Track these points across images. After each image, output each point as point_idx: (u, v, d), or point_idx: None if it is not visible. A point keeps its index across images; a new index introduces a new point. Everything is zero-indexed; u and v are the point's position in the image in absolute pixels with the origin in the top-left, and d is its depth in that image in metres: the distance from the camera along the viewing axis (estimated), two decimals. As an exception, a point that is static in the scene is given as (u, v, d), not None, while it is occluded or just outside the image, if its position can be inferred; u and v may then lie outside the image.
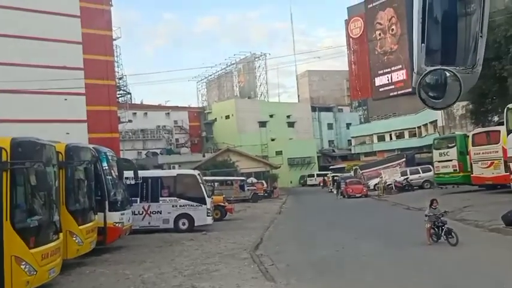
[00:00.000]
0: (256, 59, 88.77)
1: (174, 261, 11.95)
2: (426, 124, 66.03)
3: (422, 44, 2.76)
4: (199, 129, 78.65)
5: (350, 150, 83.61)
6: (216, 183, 33.74)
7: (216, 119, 77.39)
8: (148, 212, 18.75)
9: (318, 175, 69.67)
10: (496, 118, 36.89)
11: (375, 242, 12.97)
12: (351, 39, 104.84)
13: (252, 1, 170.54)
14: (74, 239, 10.98)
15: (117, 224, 13.83)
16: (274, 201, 39.98)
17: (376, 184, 39.91)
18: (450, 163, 26.59)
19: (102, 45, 42.94)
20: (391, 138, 76.34)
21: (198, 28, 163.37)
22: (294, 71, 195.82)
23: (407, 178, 35.17)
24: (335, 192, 41.40)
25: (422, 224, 16.21)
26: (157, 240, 16.26)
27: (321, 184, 52.38)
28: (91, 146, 14.25)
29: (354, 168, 53.69)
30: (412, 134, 72.14)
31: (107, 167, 14.07)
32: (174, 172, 19.94)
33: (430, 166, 37.86)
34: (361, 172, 45.71)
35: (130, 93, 75.16)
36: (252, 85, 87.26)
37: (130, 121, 54.08)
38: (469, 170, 25.54)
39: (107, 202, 13.63)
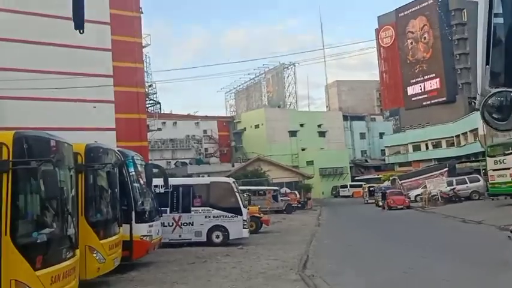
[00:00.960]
0: (285, 69, 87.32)
1: (210, 283, 10.20)
2: (465, 133, 63.02)
3: (487, 66, 2.73)
4: (228, 138, 77.23)
5: (384, 160, 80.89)
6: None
7: (245, 128, 75.86)
8: (179, 224, 17.09)
9: (351, 186, 67.34)
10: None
11: (449, 261, 10.85)
12: (381, 48, 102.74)
13: (278, 14, 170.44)
14: (95, 255, 9.31)
15: (144, 238, 12.17)
16: (308, 212, 38.00)
17: (418, 195, 37.56)
18: (508, 172, 24.21)
19: (131, 52, 41.85)
20: (427, 148, 73.36)
21: (225, 40, 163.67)
22: (321, 83, 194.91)
23: (454, 189, 32.73)
24: (378, 203, 39.25)
25: (493, 240, 14.14)
26: (189, 255, 14.55)
27: (364, 196, 49.82)
28: (116, 148, 12.66)
29: (391, 178, 51.24)
30: (450, 144, 69.09)
31: (133, 173, 12.47)
32: (207, 180, 18.26)
33: (478, 176, 35.47)
34: (400, 182, 43.30)
35: (159, 103, 74.88)
36: (281, 95, 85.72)
37: (159, 129, 52.91)
38: (529, 179, 23.21)
39: (133, 212, 11.99)
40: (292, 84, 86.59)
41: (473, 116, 60.48)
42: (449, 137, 69.07)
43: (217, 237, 17.06)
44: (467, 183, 34.03)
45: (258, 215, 21.77)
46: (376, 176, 68.95)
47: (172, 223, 17.02)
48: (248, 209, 18.35)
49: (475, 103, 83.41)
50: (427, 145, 73.56)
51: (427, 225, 20.97)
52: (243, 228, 16.98)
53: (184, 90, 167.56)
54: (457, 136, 66.58)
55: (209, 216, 17.05)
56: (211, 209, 17.10)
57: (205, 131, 73.88)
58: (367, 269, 10.73)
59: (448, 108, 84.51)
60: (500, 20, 2.81)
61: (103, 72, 38.02)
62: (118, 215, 10.87)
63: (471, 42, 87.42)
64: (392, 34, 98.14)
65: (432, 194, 32.50)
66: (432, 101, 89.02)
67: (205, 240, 17.00)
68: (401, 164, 75.36)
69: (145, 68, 47.07)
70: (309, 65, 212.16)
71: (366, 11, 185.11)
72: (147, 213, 12.66)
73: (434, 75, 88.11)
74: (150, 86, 49.75)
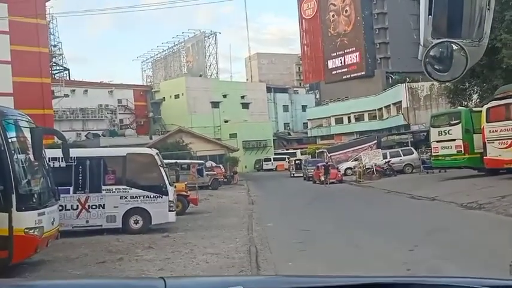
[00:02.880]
0: (206, 38, 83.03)
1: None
2: (388, 106, 62.88)
3: (429, 16, 2.72)
4: (145, 109, 72.19)
5: (306, 133, 79.88)
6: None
7: (164, 98, 71.21)
8: (86, 207, 13.42)
9: (275, 159, 65.51)
10: (475, 96, 33.82)
11: (457, 259, 8.03)
12: (303, 20, 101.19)
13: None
14: None
15: (31, 231, 8.54)
16: (235, 188, 35.18)
17: (348, 168, 35.91)
18: (453, 143, 22.50)
19: (31, 5, 36.17)
20: (349, 121, 72.98)
21: (141, 11, 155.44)
22: (239, 56, 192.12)
23: (389, 161, 31.22)
24: (307, 177, 37.43)
25: (473, 225, 11.96)
26: (98, 248, 11.06)
27: (290, 170, 47.59)
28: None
29: (319, 151, 49.58)
30: (372, 117, 68.97)
31: (14, 139, 8.74)
32: (123, 151, 14.50)
33: (411, 148, 34.36)
34: (329, 155, 41.54)
35: (68, 69, 68.26)
36: (201, 65, 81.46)
37: (66, 95, 47.54)
38: (476, 151, 21.61)
39: (13, 195, 8.32)
40: (214, 55, 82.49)
41: (397, 88, 60.35)
42: (371, 110, 68.88)
43: (136, 222, 13.62)
44: (401, 156, 32.75)
45: (185, 193, 18.47)
46: (303, 148, 67.63)
47: (77, 206, 13.33)
48: (175, 187, 14.98)
49: (392, 78, 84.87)
50: (349, 118, 73.15)
51: (375, 203, 18.71)
52: (169, 210, 13.66)
53: (99, 61, 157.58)
54: (380, 109, 66.46)
55: (125, 197, 13.53)
56: (128, 187, 13.57)
57: (120, 101, 68.32)
58: (349, 267, 7.73)
59: (366, 82, 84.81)
60: None
61: (-4, 27, 32.44)
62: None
63: (390, 17, 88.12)
64: (315, 6, 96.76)
65: (366, 167, 30.76)
66: (352, 75, 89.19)
67: (120, 226, 13.52)
68: (323, 137, 74.64)
69: (50, 25, 41.34)
70: (228, 38, 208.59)
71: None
72: (35, 196, 8.99)
73: (354, 49, 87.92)
74: (55, 46, 43.98)
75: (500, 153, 19.19)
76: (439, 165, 24.52)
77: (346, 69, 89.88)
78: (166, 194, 13.63)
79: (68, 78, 66.84)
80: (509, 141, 18.86)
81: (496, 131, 19.40)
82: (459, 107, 27.93)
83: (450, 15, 2.75)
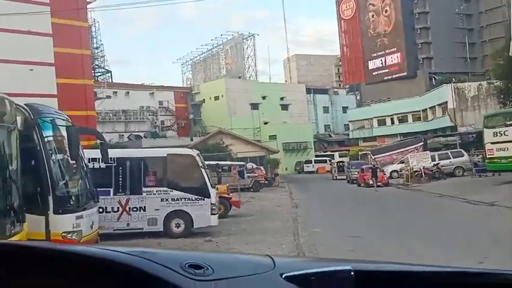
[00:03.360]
0: (244, 40, 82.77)
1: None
2: (433, 107, 60.80)
3: None
4: (186, 111, 72.42)
5: (347, 135, 78.32)
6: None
7: (204, 100, 71.27)
8: (127, 209, 13.00)
9: (316, 161, 64.42)
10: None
11: None
12: (342, 20, 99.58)
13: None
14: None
15: (69, 235, 8.06)
16: (276, 190, 34.42)
17: (394, 171, 34.56)
18: (510, 145, 21.10)
19: (74, 8, 36.50)
20: (392, 123, 71.08)
21: (179, 13, 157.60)
22: (278, 59, 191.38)
23: (438, 164, 29.79)
24: (351, 179, 36.30)
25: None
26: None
27: (333, 172, 46.42)
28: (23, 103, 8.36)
29: (362, 153, 48.24)
30: (417, 118, 66.90)
31: (51, 138, 8.28)
32: (163, 152, 14.02)
33: (461, 150, 32.80)
34: (373, 157, 40.26)
35: (110, 72, 69.24)
36: (240, 67, 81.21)
37: (108, 97, 47.76)
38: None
39: (50, 198, 7.86)
40: (252, 57, 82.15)
41: (442, 89, 58.28)
42: (415, 111, 66.82)
43: (178, 226, 13.10)
44: (450, 158, 31.24)
45: (227, 195, 17.87)
46: (344, 151, 66.34)
47: (118, 208, 12.92)
48: (217, 189, 14.38)
49: (435, 78, 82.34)
50: (392, 119, 71.27)
51: (429, 207, 17.57)
52: (211, 214, 13.06)
53: (140, 63, 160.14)
54: (424, 110, 64.39)
55: (167, 199, 13.04)
56: (169, 189, 13.07)
57: (161, 103, 68.80)
58: None
59: (408, 83, 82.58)
60: None
61: (41, 29, 32.82)
62: (20, 201, 6.69)
63: (432, 16, 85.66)
64: (353, 6, 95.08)
65: (414, 170, 29.44)
66: (393, 76, 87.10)
67: (161, 229, 13.04)
68: (365, 139, 72.95)
69: (92, 28, 41.74)
70: (266, 40, 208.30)
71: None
72: (73, 198, 8.51)
73: (395, 49, 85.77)
74: (97, 48, 44.38)
75: None
76: (495, 168, 23.05)
77: (387, 70, 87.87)
78: (208, 197, 13.05)
79: (110, 81, 67.93)
80: None
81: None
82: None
83: None
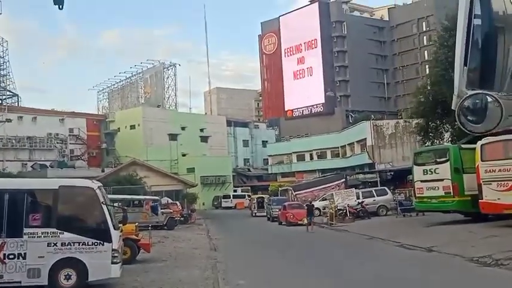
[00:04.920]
0: (165, 69, 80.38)
1: None
2: (352, 143, 61.25)
3: (465, 67, 2.78)
4: (98, 139, 68.07)
5: (266, 169, 77.29)
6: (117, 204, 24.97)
7: (119, 128, 67.46)
8: (1, 256, 10.09)
9: (235, 196, 62.37)
10: (447, 135, 32.21)
11: None
12: (264, 55, 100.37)
13: (155, 19, 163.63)
14: None
15: None
16: (193, 228, 31.78)
17: (316, 208, 33.12)
18: (440, 184, 20.18)
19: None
20: (311, 158, 71.01)
21: (99, 42, 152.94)
22: (198, 92, 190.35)
23: (363, 202, 28.77)
24: (271, 217, 34.38)
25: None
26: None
27: (252, 209, 44.19)
28: None
29: (282, 189, 46.83)
30: (335, 154, 67.19)
31: None
32: (54, 183, 11.16)
33: (385, 188, 32.15)
34: (294, 193, 38.87)
35: (17, 95, 63.81)
36: (160, 97, 78.51)
37: (9, 120, 43.03)
38: (466, 193, 19.38)
39: None
40: (172, 87, 79.77)
41: (362, 125, 58.90)
42: (334, 148, 67.18)
43: (68, 277, 10.33)
44: (374, 196, 30.39)
45: (135, 237, 15.18)
46: (263, 185, 64.97)
47: (-12, 256, 9.98)
48: (121, 231, 11.77)
49: (352, 116, 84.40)
50: (311, 155, 71.20)
51: (364, 254, 15.77)
52: (112, 262, 10.45)
53: (54, 91, 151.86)
54: (343, 147, 64.84)
55: (55, 244, 10.28)
56: (58, 231, 10.33)
57: (71, 130, 64.04)
58: None
59: (326, 119, 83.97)
60: (479, 22, 2.84)
61: None
62: None
63: (350, 55, 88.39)
64: (276, 41, 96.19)
65: (338, 208, 28.16)
66: (313, 112, 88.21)
67: (45, 283, 10.21)
68: (284, 174, 72.34)
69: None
70: (188, 72, 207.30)
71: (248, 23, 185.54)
72: None
73: (316, 86, 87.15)
74: (5, 76, 40.02)
75: (499, 197, 16.95)
76: (424, 209, 22.15)
77: (306, 106, 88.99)
78: (109, 241, 10.45)
79: (17, 105, 62.49)
80: (510, 183, 16.67)
81: (494, 170, 17.20)
82: (445, 143, 26.05)
83: (484, 66, 2.77)
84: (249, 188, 68.51)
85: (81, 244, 10.35)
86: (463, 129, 3.02)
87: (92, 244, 10.39)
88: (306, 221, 25.15)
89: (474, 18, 2.82)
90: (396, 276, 11.17)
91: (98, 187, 10.97)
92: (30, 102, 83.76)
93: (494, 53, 2.85)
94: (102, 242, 10.42)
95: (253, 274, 12.41)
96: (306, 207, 26.16)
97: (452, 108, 2.95)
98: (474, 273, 11.03)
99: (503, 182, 16.87)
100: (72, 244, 10.32)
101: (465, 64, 2.78)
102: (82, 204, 11.11)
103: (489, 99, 2.82)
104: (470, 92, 2.77)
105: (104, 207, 10.68)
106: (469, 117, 2.84)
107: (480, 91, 2.77)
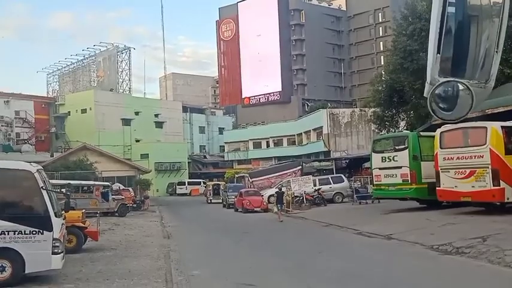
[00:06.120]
0: (119, 53, 77.84)
1: None
2: (308, 131, 61.26)
3: (438, 55, 2.84)
4: (47, 123, 65.39)
5: (222, 157, 76.56)
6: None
7: (69, 112, 64.99)
8: None
9: (190, 183, 61.42)
10: (402, 123, 32.42)
11: None
12: (221, 41, 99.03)
13: (110, 2, 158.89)
14: None
15: None
16: (146, 215, 30.77)
17: (272, 195, 32.67)
18: (398, 171, 19.99)
19: None
20: (268, 146, 70.77)
21: (51, 24, 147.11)
22: (154, 77, 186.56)
23: (320, 189, 28.50)
24: (226, 204, 33.67)
25: (469, 279, 9.06)
26: None
27: (208, 195, 43.36)
28: None
29: (239, 175, 46.20)
30: (291, 142, 67.19)
31: None
32: (-15, 165, 10.16)
33: (342, 176, 32.03)
34: (250, 181, 38.33)
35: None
36: (113, 81, 76.00)
37: None
38: (423, 181, 19.29)
39: None
40: (126, 71, 77.36)
41: (318, 114, 58.89)
42: (290, 135, 67.13)
43: (1, 270, 9.31)
44: (331, 183, 30.19)
45: (82, 225, 14.15)
46: (219, 173, 64.18)
47: None
48: (64, 218, 10.77)
49: (308, 105, 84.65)
50: (268, 143, 70.96)
51: (320, 241, 15.34)
52: (53, 253, 9.48)
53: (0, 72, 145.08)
54: (299, 135, 64.84)
55: (-14, 233, 9.23)
56: (-9, 218, 9.27)
57: (17, 113, 61.14)
58: None
59: (283, 108, 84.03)
60: (453, 10, 2.83)
61: None
62: None
63: (307, 44, 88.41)
64: (233, 28, 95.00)
65: (295, 195, 27.80)
66: (269, 99, 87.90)
67: (-24, 276, 9.16)
68: (240, 162, 71.87)
69: None
70: (143, 57, 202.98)
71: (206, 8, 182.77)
72: None
73: (273, 73, 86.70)
74: None
75: (456, 184, 16.85)
76: (381, 196, 21.94)
77: (263, 94, 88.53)
78: (50, 229, 9.46)
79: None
80: (467, 170, 16.58)
81: (452, 158, 17.09)
82: (405, 131, 25.98)
83: (456, 55, 2.83)
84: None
85: (16, 233, 9.32)
86: (434, 116, 3.02)
87: (30, 233, 9.37)
88: (275, 210, 23.47)
89: (448, 6, 2.81)
90: (358, 266, 10.71)
91: (37, 170, 9.92)
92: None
93: (467, 42, 2.88)
94: (41, 231, 9.41)
95: (208, 264, 11.71)
96: (275, 195, 24.66)
97: (424, 95, 3.03)
98: (437, 261, 10.71)
99: (461, 170, 16.77)
100: (6, 233, 9.27)
101: (438, 52, 2.84)
102: (18, 188, 10.01)
103: (460, 86, 2.88)
104: (442, 80, 2.79)
105: (44, 192, 9.65)
106: (440, 105, 2.87)
107: (452, 79, 2.81)
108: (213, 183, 46.53)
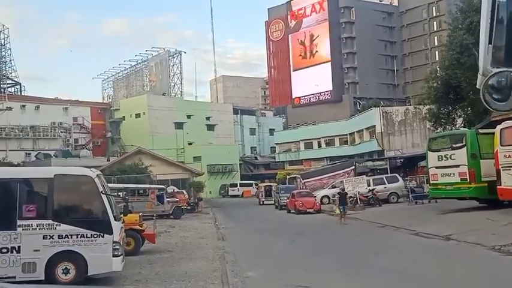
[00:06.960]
0: (170, 57, 79.40)
1: None
2: (361, 130, 60.28)
3: (489, 45, 2.72)
4: (103, 128, 67.52)
5: (274, 158, 76.53)
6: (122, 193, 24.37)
7: (124, 117, 66.80)
8: (-7, 250, 9.44)
9: (242, 185, 61.75)
10: (459, 121, 31.31)
11: None
12: (270, 42, 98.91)
13: (159, 7, 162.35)
14: None
15: None
16: (200, 217, 31.19)
17: (325, 196, 32.38)
18: (456, 170, 19.36)
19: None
20: (319, 146, 70.14)
21: (103, 31, 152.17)
22: (204, 80, 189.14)
23: (374, 190, 27.99)
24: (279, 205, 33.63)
25: None
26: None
27: (260, 197, 43.40)
28: None
29: (291, 177, 46.05)
30: (344, 142, 66.35)
31: None
32: (49, 171, 10.50)
33: (396, 175, 31.31)
34: (303, 181, 38.11)
35: (20, 84, 63.28)
36: (165, 85, 77.64)
37: (9, 108, 42.42)
38: (483, 180, 18.55)
39: None
40: (178, 75, 78.86)
41: (371, 112, 57.89)
42: (343, 135, 66.29)
43: (66, 272, 9.68)
44: (385, 183, 29.57)
45: (139, 228, 14.51)
46: (270, 174, 64.22)
47: (-22, 249, 9.33)
48: (123, 222, 11.08)
49: (360, 103, 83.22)
50: (319, 143, 70.35)
51: (377, 242, 15.10)
52: (114, 255, 9.77)
53: (58, 80, 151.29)
54: (351, 134, 63.94)
55: (51, 236, 9.60)
56: (55, 222, 9.65)
57: (75, 119, 63.44)
58: None
59: (334, 107, 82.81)
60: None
61: None
62: None
63: (358, 41, 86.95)
64: (283, 28, 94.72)
65: (349, 196, 27.38)
66: (320, 99, 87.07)
67: (42, 278, 9.54)
68: (291, 163, 71.56)
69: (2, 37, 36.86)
70: (193, 61, 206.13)
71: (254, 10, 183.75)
72: None
73: (324, 72, 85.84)
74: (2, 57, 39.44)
75: (520, 183, 16.11)
76: (438, 195, 21.30)
77: (314, 93, 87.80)
78: (110, 232, 9.77)
79: (19, 94, 61.99)
80: (532, 168, 15.82)
81: (514, 156, 16.35)
82: (462, 128, 25.13)
83: (509, 44, 2.70)
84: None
85: (79, 236, 9.68)
86: (488, 107, 2.96)
87: (91, 236, 9.71)
88: (338, 212, 22.22)
89: None
90: (417, 266, 10.41)
91: (97, 175, 10.25)
92: (33, 91, 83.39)
93: None
94: (102, 234, 9.74)
95: (263, 265, 11.72)
96: (338, 196, 23.25)
97: (477, 87, 2.90)
98: (499, 262, 10.27)
99: (525, 168, 16.03)
100: (69, 236, 9.64)
101: (490, 42, 2.71)
102: (79, 193, 10.40)
103: None
104: (495, 70, 2.70)
105: (104, 196, 9.97)
106: (494, 96, 2.78)
107: (505, 69, 2.71)
108: (264, 184, 46.60)
